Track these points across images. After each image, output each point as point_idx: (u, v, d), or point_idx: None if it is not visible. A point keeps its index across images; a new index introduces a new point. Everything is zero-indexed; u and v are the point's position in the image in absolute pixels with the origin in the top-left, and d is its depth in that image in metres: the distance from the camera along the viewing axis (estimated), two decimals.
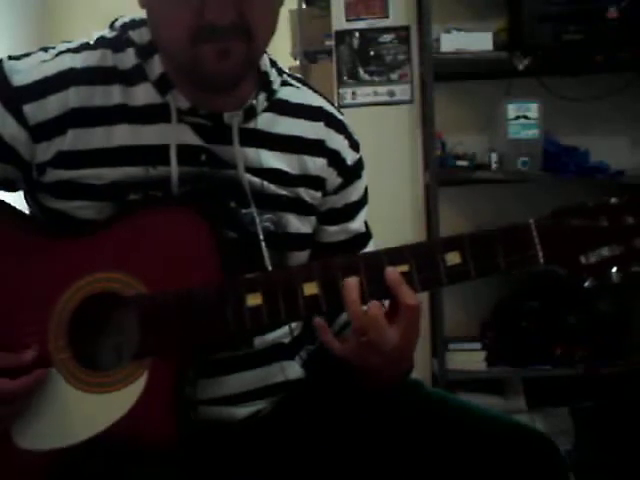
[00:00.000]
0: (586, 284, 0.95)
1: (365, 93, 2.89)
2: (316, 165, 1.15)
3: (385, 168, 2.81)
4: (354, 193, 1.21)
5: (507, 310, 2.83)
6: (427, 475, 1.04)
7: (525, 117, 2.69)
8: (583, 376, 2.69)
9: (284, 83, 1.16)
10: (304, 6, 3.65)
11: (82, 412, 0.99)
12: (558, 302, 2.75)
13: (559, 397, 2.79)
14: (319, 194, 1.16)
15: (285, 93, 1.14)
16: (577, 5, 2.58)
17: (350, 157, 1.19)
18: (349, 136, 1.20)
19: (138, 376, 0.97)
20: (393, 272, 0.95)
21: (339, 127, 1.19)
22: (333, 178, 1.17)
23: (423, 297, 2.81)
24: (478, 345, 2.76)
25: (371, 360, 0.98)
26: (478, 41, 2.67)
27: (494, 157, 2.73)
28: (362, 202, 1.23)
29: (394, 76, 2.88)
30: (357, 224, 1.23)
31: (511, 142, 2.70)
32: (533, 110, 2.69)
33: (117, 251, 1.01)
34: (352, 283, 0.95)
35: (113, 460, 0.97)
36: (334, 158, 1.17)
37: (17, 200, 1.10)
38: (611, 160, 2.76)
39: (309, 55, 3.54)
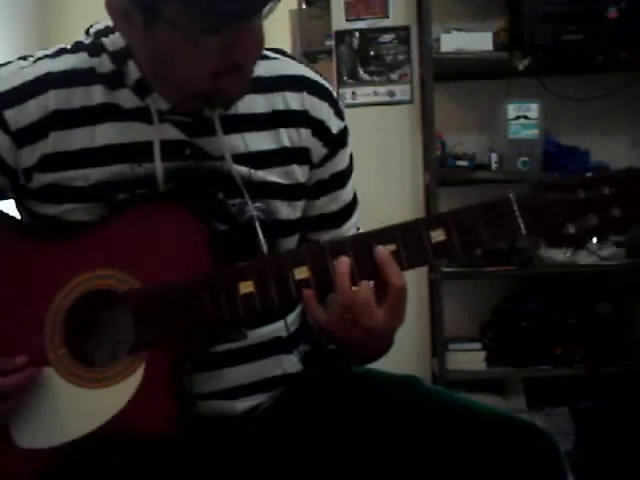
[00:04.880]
0: (567, 254, 0.97)
1: (365, 93, 2.89)
2: (301, 136, 1.13)
3: (385, 168, 2.81)
4: (340, 163, 1.18)
5: (507, 310, 2.83)
6: (427, 470, 1.05)
7: (525, 117, 2.69)
8: (583, 376, 2.70)
9: (261, 57, 1.11)
10: (304, 6, 3.65)
11: (80, 408, 1.00)
12: (558, 302, 2.75)
13: (559, 397, 2.79)
14: (307, 167, 1.15)
15: (262, 69, 1.11)
16: (577, 5, 2.58)
17: (335, 126, 1.16)
18: (334, 103, 1.16)
19: (135, 369, 0.98)
20: (383, 251, 0.96)
21: (323, 94, 1.16)
22: (318, 149, 1.15)
23: (423, 297, 2.82)
24: (478, 345, 2.76)
25: (353, 334, 0.98)
26: (478, 41, 2.67)
27: (494, 157, 2.74)
28: (349, 170, 1.21)
29: (394, 76, 2.88)
30: (346, 193, 1.21)
31: (511, 142, 2.70)
32: (533, 110, 2.69)
33: (110, 249, 1.02)
34: (343, 260, 0.96)
35: (112, 455, 0.97)
36: (318, 128, 1.14)
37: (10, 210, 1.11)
38: (611, 160, 2.76)
39: (309, 55, 3.54)
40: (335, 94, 1.18)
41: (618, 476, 2.47)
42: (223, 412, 1.10)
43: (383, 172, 2.77)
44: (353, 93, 2.88)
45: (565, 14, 2.57)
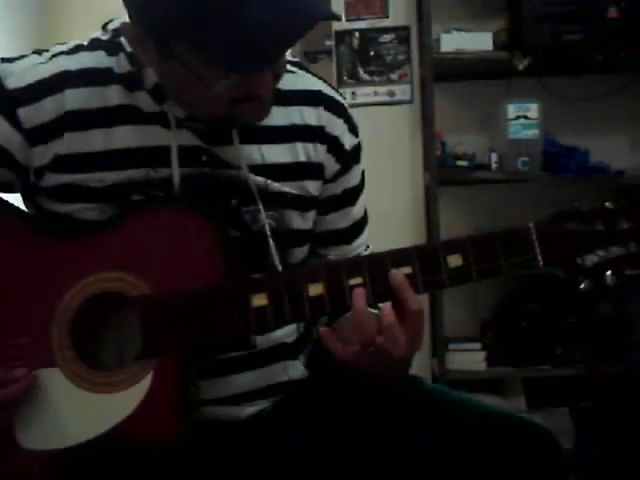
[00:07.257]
0: (582, 286, 0.97)
1: (365, 93, 2.89)
2: (317, 152, 1.14)
3: (385, 168, 2.80)
4: (352, 179, 1.19)
5: (507, 310, 2.83)
6: (429, 470, 1.05)
7: (525, 117, 2.69)
8: (583, 376, 2.69)
9: None
10: None
11: (86, 412, 0.99)
12: (558, 302, 2.75)
13: (559, 397, 2.79)
14: (320, 182, 1.15)
15: (282, 82, 1.09)
16: (577, 5, 2.58)
17: (348, 142, 1.16)
18: (348, 119, 1.17)
19: (143, 376, 0.97)
20: (399, 275, 0.95)
21: (339, 111, 1.16)
22: (332, 164, 1.15)
23: (423, 297, 2.81)
24: (478, 345, 2.76)
25: (373, 364, 0.97)
26: (478, 41, 2.67)
27: (494, 157, 2.73)
28: (360, 187, 1.22)
29: (394, 76, 2.88)
30: (357, 210, 1.21)
31: (511, 142, 2.70)
32: (533, 110, 2.69)
33: (121, 251, 1.01)
34: (359, 292, 0.95)
35: (116, 460, 0.97)
36: (333, 144, 1.15)
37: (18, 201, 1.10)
38: (611, 160, 2.76)
39: (309, 55, 3.53)
40: (349, 110, 1.18)
41: (618, 476, 2.46)
42: (227, 417, 1.10)
43: (383, 172, 2.77)
44: (353, 93, 2.88)
45: (565, 14, 2.57)
